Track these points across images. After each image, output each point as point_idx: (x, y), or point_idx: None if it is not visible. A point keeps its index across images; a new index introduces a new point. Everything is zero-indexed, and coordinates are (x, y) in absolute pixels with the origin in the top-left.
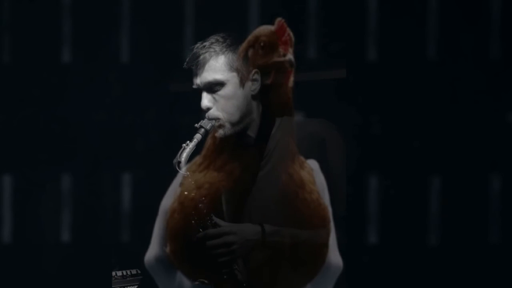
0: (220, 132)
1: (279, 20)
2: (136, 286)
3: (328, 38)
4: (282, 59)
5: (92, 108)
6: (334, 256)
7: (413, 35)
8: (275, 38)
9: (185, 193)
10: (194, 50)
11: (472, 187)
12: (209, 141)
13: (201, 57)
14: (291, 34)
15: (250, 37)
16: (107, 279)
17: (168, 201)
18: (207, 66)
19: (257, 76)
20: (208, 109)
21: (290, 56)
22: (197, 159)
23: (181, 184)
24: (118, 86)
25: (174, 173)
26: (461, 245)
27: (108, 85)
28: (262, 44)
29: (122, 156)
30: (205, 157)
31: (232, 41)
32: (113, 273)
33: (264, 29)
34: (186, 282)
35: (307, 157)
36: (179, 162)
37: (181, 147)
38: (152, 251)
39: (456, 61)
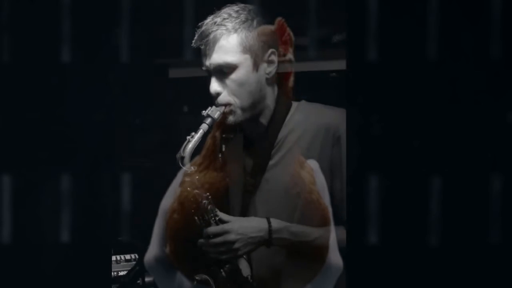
0: (230, 119)
1: (279, 20)
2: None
3: (327, 38)
4: (282, 58)
5: (92, 108)
6: (335, 257)
7: (413, 35)
8: (275, 37)
9: (185, 194)
10: (204, 27)
11: (473, 187)
12: (209, 141)
13: (211, 35)
14: (291, 33)
15: None
16: (106, 279)
17: (168, 201)
18: (217, 47)
19: (273, 57)
20: (218, 94)
21: (290, 55)
22: (197, 159)
23: (181, 184)
24: (118, 86)
25: (174, 173)
26: (461, 245)
27: (108, 85)
28: (262, 44)
29: (122, 156)
30: (205, 157)
31: (247, 16)
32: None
33: (264, 28)
34: (186, 282)
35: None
36: (183, 158)
37: (186, 139)
38: (152, 251)
39: (456, 61)
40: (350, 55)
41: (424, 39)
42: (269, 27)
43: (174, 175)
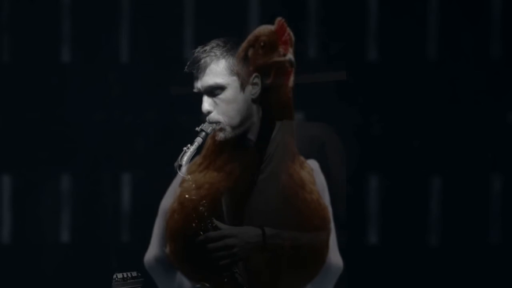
0: (220, 136)
1: (279, 19)
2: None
3: (328, 38)
4: (282, 58)
5: (92, 108)
6: (335, 257)
7: (413, 35)
8: (275, 37)
9: (185, 194)
10: (195, 54)
11: (473, 187)
12: (209, 141)
13: (202, 61)
14: (291, 33)
15: (250, 37)
16: (106, 279)
17: (168, 201)
18: (208, 70)
19: (257, 80)
20: (209, 112)
21: (290, 55)
22: (197, 159)
23: (181, 184)
24: (118, 86)
25: (174, 173)
26: (461, 245)
27: (108, 85)
28: (262, 43)
29: (122, 156)
30: (205, 157)
31: (233, 46)
32: (114, 276)
33: (264, 28)
34: (186, 282)
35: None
36: (180, 166)
37: (182, 150)
38: (152, 251)
39: (456, 61)
40: (350, 56)
41: (424, 39)
42: (269, 27)
43: (173, 175)
